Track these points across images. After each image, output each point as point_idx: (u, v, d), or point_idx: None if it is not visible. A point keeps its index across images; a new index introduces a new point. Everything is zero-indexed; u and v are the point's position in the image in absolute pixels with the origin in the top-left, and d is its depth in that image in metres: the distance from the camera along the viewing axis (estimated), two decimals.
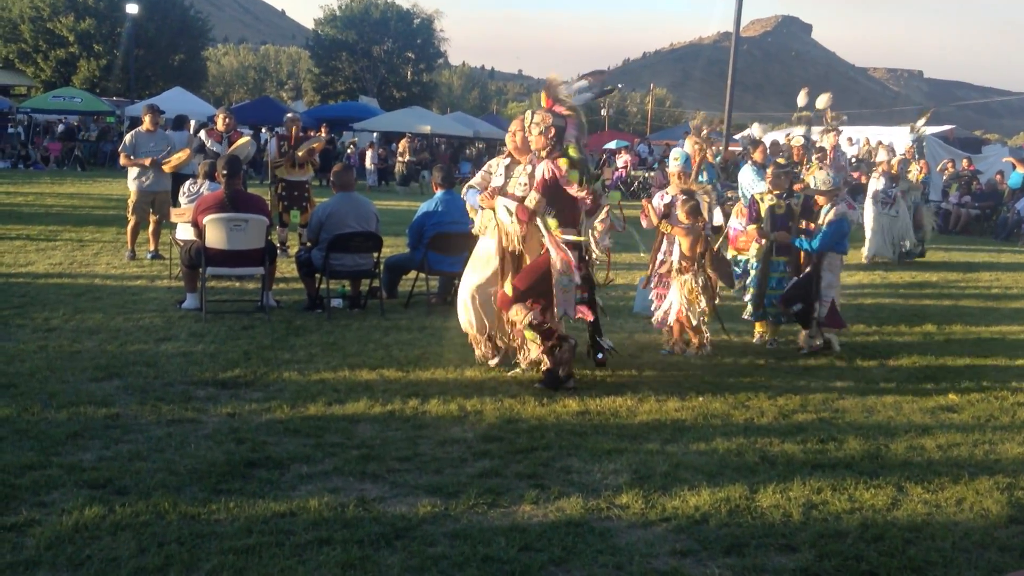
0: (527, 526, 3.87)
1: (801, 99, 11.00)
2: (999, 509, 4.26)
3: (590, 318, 6.10)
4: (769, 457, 4.87)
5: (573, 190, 5.82)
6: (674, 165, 7.49)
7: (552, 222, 5.83)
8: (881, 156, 13.20)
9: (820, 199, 7.45)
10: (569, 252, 5.80)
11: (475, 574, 3.41)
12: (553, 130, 5.86)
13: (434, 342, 7.22)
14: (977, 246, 17.48)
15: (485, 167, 6.84)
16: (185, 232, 8.55)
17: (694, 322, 7.05)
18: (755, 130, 12.00)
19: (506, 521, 3.91)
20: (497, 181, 6.41)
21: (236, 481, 4.23)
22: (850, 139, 19.72)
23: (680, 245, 7.11)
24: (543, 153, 5.90)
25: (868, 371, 6.95)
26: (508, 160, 6.48)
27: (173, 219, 9.31)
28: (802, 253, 7.42)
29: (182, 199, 9.17)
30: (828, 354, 7.32)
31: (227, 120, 11.31)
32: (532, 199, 5.84)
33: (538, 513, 4.02)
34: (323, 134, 12.43)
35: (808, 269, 7.32)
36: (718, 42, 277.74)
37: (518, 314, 5.88)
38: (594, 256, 6.12)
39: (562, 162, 5.80)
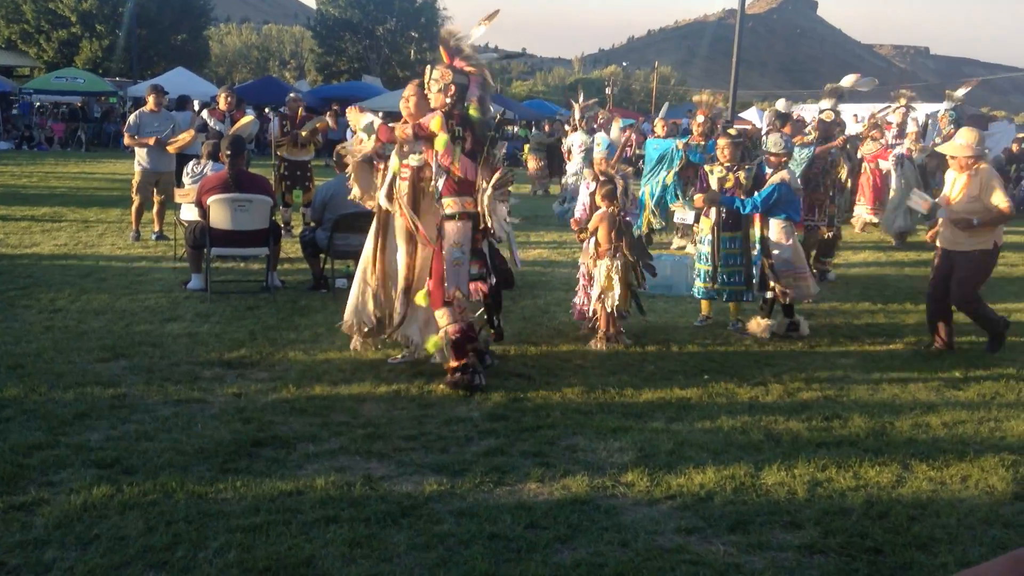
0: (533, 504, 3.88)
1: (847, 82, 10.77)
2: (1004, 486, 4.26)
3: (483, 294, 5.68)
4: (774, 435, 4.88)
5: (440, 152, 5.36)
6: (598, 151, 7.25)
7: (395, 161, 5.53)
8: (911, 127, 13.03)
9: (771, 163, 7.27)
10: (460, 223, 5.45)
11: (481, 551, 3.42)
12: (454, 87, 5.41)
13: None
14: None
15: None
16: (189, 212, 8.55)
17: (608, 308, 6.69)
18: (781, 105, 11.89)
19: (512, 499, 3.93)
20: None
21: (243, 460, 4.24)
22: (856, 116, 19.60)
23: (597, 231, 6.86)
24: (442, 111, 5.44)
25: (873, 349, 6.94)
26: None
27: (177, 199, 9.31)
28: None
29: (186, 179, 9.16)
30: (797, 337, 7.16)
31: (229, 99, 11.27)
32: (400, 127, 5.50)
33: (543, 491, 4.03)
34: (330, 119, 12.34)
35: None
36: (723, 19, 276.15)
37: (443, 319, 5.53)
38: (491, 228, 5.60)
39: (436, 122, 5.35)
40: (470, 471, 4.19)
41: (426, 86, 5.58)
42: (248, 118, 10.99)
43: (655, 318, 7.64)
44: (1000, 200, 6.53)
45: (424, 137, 5.43)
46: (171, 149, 10.54)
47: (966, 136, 6.78)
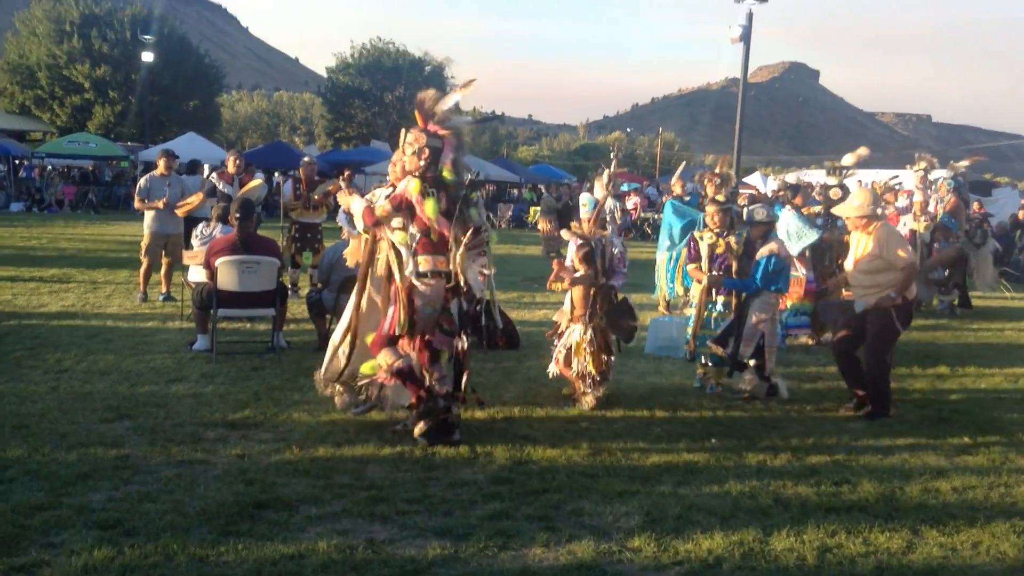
0: (538, 569, 3.83)
1: (849, 159, 10.82)
2: (1016, 552, 4.20)
3: (459, 352, 5.61)
4: (783, 500, 4.83)
5: (425, 214, 5.38)
6: (584, 211, 7.25)
7: (400, 235, 5.50)
8: (917, 196, 13.04)
9: (755, 233, 7.25)
10: (432, 281, 5.45)
11: None
12: (427, 151, 5.47)
13: None
14: None
15: (368, 194, 6.32)
16: (197, 274, 8.59)
17: (572, 372, 6.64)
18: (792, 177, 11.95)
19: (516, 564, 3.87)
20: None
21: (245, 523, 4.20)
22: (860, 182, 19.81)
23: (571, 293, 6.77)
24: (416, 175, 5.51)
25: None
26: (390, 189, 5.92)
27: (186, 261, 9.36)
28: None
29: (195, 241, 9.23)
30: (776, 399, 7.07)
31: (237, 162, 11.41)
32: (381, 207, 5.54)
33: (549, 556, 3.98)
34: (343, 181, 12.47)
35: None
36: (726, 88, 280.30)
37: (385, 358, 5.52)
38: (465, 287, 5.55)
39: (415, 186, 5.39)
40: (474, 535, 4.14)
41: (401, 149, 5.65)
42: (257, 181, 11.11)
43: (661, 380, 7.61)
44: (900, 254, 6.56)
45: (405, 205, 5.46)
46: (180, 212, 10.65)
47: (859, 197, 6.89)
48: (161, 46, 38.60)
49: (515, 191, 40.72)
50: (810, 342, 9.70)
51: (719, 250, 7.28)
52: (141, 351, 7.92)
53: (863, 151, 11.23)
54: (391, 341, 5.56)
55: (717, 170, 10.96)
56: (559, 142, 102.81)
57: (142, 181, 11.10)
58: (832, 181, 10.22)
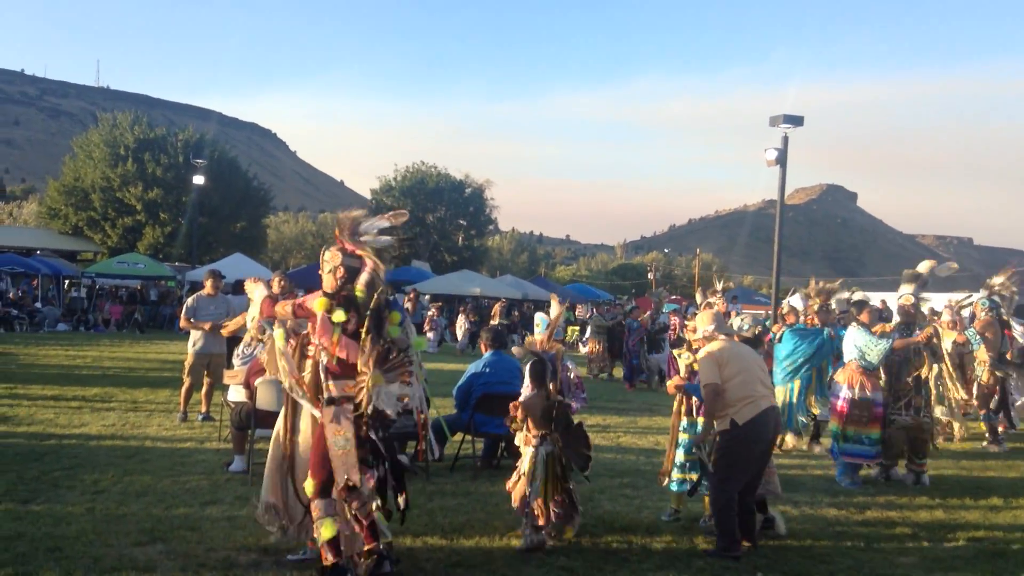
0: None
1: (923, 268, 10.53)
2: None
3: (370, 484, 5.22)
4: None
5: (327, 336, 5.18)
6: (538, 331, 6.86)
7: (279, 332, 5.40)
8: (946, 316, 12.68)
9: None
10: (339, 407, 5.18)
11: None
12: (342, 270, 5.34)
13: (479, 508, 7.09)
14: None
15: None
16: (237, 394, 8.65)
17: (529, 500, 6.10)
18: (858, 295, 11.44)
19: None
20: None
21: None
22: (883, 301, 19.70)
23: (527, 412, 6.34)
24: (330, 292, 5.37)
25: (934, 547, 6.61)
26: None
27: (226, 381, 9.43)
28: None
29: (236, 361, 9.32)
30: (774, 535, 6.61)
31: (282, 283, 11.59)
32: (282, 305, 5.46)
33: None
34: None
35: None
36: (762, 209, 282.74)
37: (316, 511, 5.19)
38: (367, 413, 5.18)
39: (319, 303, 5.23)
40: None
41: (321, 266, 5.50)
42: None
43: (701, 506, 7.40)
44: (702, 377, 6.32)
45: (306, 316, 5.34)
46: (224, 332, 10.79)
47: (701, 319, 6.77)
48: (211, 169, 39.66)
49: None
50: (883, 476, 8.97)
51: (696, 367, 6.81)
52: (178, 472, 7.91)
53: (953, 265, 10.98)
54: (324, 490, 5.18)
55: (812, 291, 10.68)
56: (596, 262, 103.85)
57: (189, 300, 11.32)
58: (906, 289, 9.48)
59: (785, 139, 20.04)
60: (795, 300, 11.91)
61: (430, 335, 25.52)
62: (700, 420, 6.77)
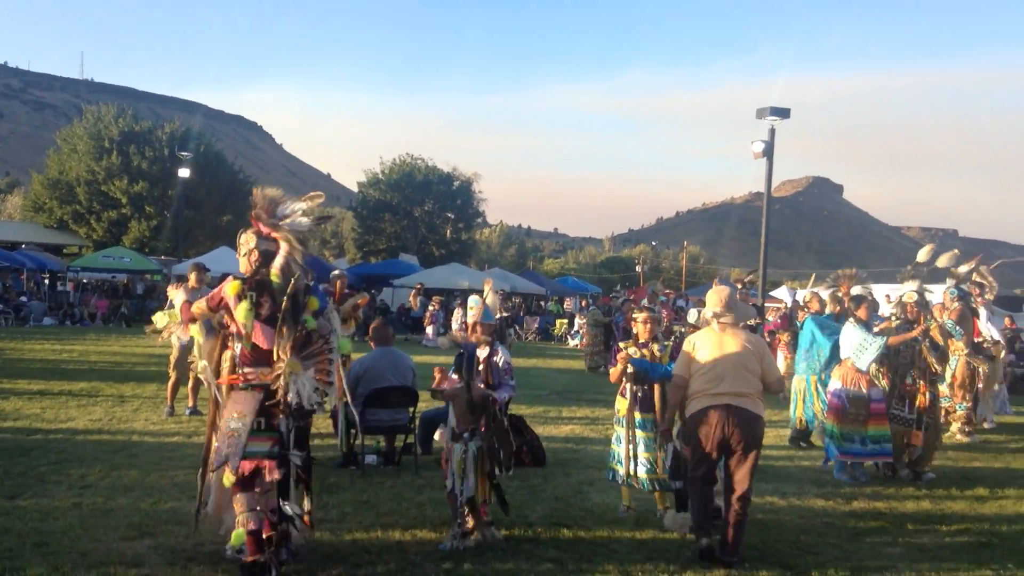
0: None
1: (923, 255, 10.35)
2: None
3: (274, 476, 5.08)
4: None
5: (237, 318, 5.10)
6: (471, 314, 6.40)
7: (195, 328, 5.39)
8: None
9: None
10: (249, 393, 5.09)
11: None
12: (256, 253, 5.24)
13: None
14: None
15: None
16: None
17: (460, 498, 5.87)
18: (859, 289, 11.28)
19: None
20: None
21: None
22: (888, 296, 19.64)
23: (452, 406, 6.12)
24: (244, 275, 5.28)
25: (920, 538, 6.65)
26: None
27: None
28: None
29: None
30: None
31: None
32: (198, 304, 5.39)
33: None
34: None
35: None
36: (749, 201, 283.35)
37: (239, 504, 5.08)
38: (285, 402, 5.08)
39: (230, 287, 5.13)
40: None
41: (237, 250, 5.43)
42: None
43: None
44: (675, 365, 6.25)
45: (223, 306, 5.26)
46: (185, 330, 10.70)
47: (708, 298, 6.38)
48: (197, 162, 39.49)
49: (541, 304, 40.92)
50: (888, 472, 8.83)
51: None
52: (165, 466, 7.88)
53: (956, 252, 10.92)
54: (245, 483, 5.05)
55: (847, 278, 10.51)
56: (585, 255, 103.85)
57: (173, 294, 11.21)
58: (910, 285, 9.32)
59: (772, 131, 20.10)
60: (819, 291, 11.74)
61: (429, 329, 25.60)
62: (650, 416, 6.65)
